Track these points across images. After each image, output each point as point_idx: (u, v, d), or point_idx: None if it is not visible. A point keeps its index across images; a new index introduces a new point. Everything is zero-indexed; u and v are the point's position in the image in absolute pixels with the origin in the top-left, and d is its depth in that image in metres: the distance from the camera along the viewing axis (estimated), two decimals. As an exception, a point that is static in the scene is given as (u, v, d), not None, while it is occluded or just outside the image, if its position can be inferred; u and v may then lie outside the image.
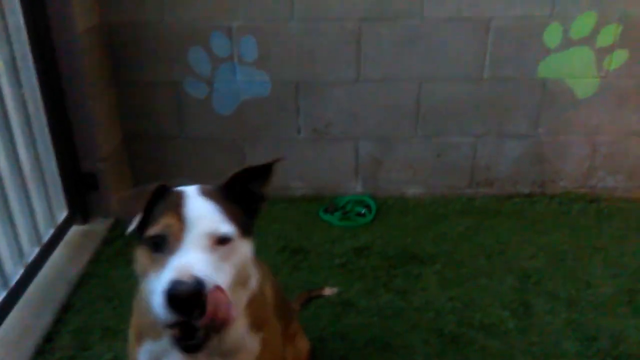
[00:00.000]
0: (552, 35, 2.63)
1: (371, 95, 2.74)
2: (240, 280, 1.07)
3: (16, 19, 2.13)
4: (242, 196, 1.11)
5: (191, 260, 0.96)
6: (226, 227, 1.01)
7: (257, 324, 1.20)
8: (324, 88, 2.73)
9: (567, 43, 2.64)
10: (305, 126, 2.82)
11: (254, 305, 1.18)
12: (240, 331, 1.16)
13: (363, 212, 2.77)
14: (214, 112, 2.79)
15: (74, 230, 2.51)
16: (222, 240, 1.01)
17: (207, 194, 1.07)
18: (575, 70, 2.70)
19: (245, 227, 1.08)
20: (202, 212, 1.02)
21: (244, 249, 1.07)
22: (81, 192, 2.54)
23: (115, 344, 1.96)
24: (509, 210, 2.84)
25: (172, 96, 2.75)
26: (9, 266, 2.04)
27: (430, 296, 2.23)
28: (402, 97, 2.75)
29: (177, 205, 1.02)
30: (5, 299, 1.99)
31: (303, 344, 1.69)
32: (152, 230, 1.00)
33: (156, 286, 0.96)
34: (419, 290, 2.26)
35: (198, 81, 2.72)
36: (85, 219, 2.56)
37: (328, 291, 2.18)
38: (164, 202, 1.05)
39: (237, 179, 1.11)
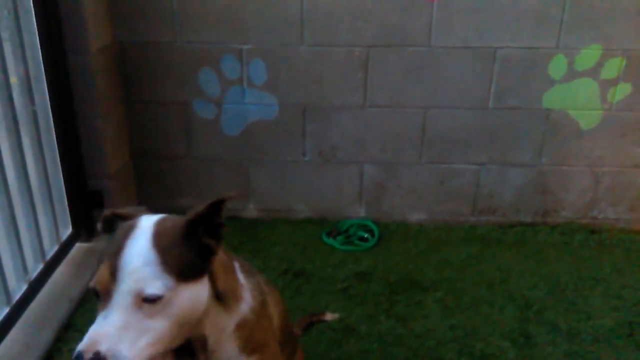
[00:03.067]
0: (557, 67, 2.66)
1: (377, 120, 2.77)
2: (191, 324, 1.05)
3: (32, 37, 2.17)
4: (204, 229, 1.06)
5: (106, 328, 0.95)
6: (154, 287, 0.96)
7: (251, 346, 1.20)
8: (331, 112, 2.77)
9: (572, 74, 2.68)
10: (310, 149, 2.85)
11: (245, 328, 1.19)
12: (229, 353, 1.17)
13: (366, 236, 2.78)
14: (221, 133, 2.82)
15: (78, 247, 2.52)
16: (149, 300, 0.97)
17: (158, 233, 1.02)
18: (580, 101, 2.73)
19: (195, 270, 1.03)
20: (134, 265, 0.97)
21: (187, 295, 1.01)
22: (86, 209, 2.55)
23: (115, 364, 1.96)
24: (511, 238, 2.85)
25: (181, 116, 2.78)
26: (12, 282, 2.05)
27: (432, 324, 2.23)
28: (408, 124, 2.78)
29: (116, 250, 0.99)
30: (8, 315, 1.99)
31: (300, 356, 1.68)
32: (91, 282, 1.01)
33: None
34: (420, 317, 2.26)
35: (207, 102, 2.75)
36: (89, 237, 2.57)
37: (329, 316, 2.19)
38: (112, 240, 1.03)
39: (202, 215, 1.05)
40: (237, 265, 1.25)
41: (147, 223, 1.04)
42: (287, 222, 2.93)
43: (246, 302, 1.19)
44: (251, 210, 2.96)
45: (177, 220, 1.06)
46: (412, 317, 2.26)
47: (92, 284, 1.00)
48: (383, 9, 2.56)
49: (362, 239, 2.78)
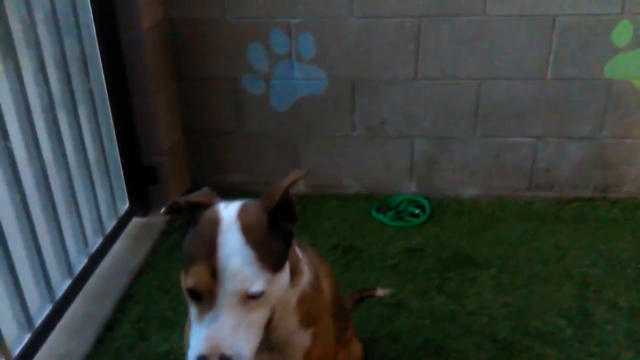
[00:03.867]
0: (622, 34, 2.52)
1: (429, 93, 2.71)
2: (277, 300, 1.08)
3: (86, 16, 2.21)
4: (281, 213, 1.06)
5: (222, 329, 0.96)
6: (258, 285, 0.98)
7: (307, 320, 1.21)
8: (381, 86, 2.72)
9: (638, 42, 2.52)
10: (360, 124, 2.82)
11: (305, 302, 1.19)
12: (290, 328, 1.18)
13: (417, 212, 2.74)
14: (270, 109, 2.82)
15: (135, 222, 2.60)
16: (254, 296, 0.99)
17: (246, 227, 1.01)
18: (646, 70, 2.58)
19: (282, 258, 1.06)
20: (236, 265, 0.97)
21: (281, 283, 1.06)
22: (142, 185, 2.62)
23: (171, 336, 2.02)
24: (569, 215, 2.75)
25: (231, 92, 2.79)
26: (73, 256, 2.13)
27: (485, 301, 2.18)
28: (461, 96, 2.70)
29: (210, 249, 0.98)
30: (70, 287, 2.07)
31: (356, 348, 1.68)
32: (187, 282, 1.00)
33: (192, 340, 0.99)
34: (473, 294, 2.22)
35: (256, 78, 2.75)
36: (145, 212, 2.64)
37: (380, 292, 2.17)
38: (198, 235, 1.02)
39: (283, 198, 1.05)
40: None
41: (230, 215, 1.03)
42: (337, 197, 2.92)
43: (306, 276, 1.20)
44: (300, 186, 2.96)
45: (258, 208, 1.05)
46: (464, 294, 2.22)
47: (191, 285, 0.99)
48: (435, -22, 2.48)
49: (412, 214, 2.74)
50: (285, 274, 1.08)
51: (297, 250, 1.22)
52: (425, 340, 1.98)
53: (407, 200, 2.83)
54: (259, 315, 1.02)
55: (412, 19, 2.56)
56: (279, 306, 1.11)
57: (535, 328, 2.04)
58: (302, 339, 1.21)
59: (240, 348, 0.97)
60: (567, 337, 2.00)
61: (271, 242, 1.03)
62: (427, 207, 2.77)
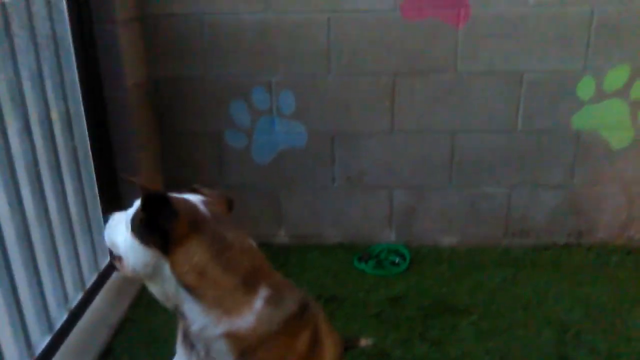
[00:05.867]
0: (585, 88, 2.66)
1: (405, 145, 2.80)
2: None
3: (72, 75, 2.28)
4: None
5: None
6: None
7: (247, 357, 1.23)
8: (359, 139, 2.81)
9: (601, 95, 2.67)
10: (340, 175, 2.89)
11: (240, 341, 1.21)
12: (220, 351, 1.22)
13: (397, 261, 2.78)
14: (252, 162, 2.88)
15: (116, 275, 2.58)
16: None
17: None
18: (610, 122, 2.71)
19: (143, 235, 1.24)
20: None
21: (133, 247, 1.26)
22: (124, 238, 2.62)
23: (153, 390, 2.00)
24: (545, 261, 2.81)
25: (213, 146, 2.86)
26: (54, 311, 2.11)
27: (467, 347, 2.20)
28: (436, 148, 2.80)
29: None
30: (50, 343, 2.04)
31: None
32: None
33: None
34: (455, 341, 2.24)
35: (238, 132, 2.82)
36: (126, 266, 2.63)
37: (363, 342, 2.16)
38: None
39: None
40: (265, 293, 1.26)
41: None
42: (319, 247, 2.95)
43: (245, 321, 1.21)
44: (282, 237, 3.00)
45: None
46: (447, 341, 2.24)
47: None
48: (407, 37, 2.61)
49: (393, 263, 2.78)
50: (142, 251, 1.21)
51: (258, 302, 1.23)
52: (408, 389, 1.99)
53: (388, 248, 2.87)
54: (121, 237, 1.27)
55: (387, 77, 2.68)
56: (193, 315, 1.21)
57: (517, 375, 2.06)
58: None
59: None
60: (548, 382, 2.02)
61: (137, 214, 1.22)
62: (407, 256, 2.82)
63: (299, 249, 2.92)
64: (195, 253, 1.20)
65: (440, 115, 2.74)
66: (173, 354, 2.14)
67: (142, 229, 1.20)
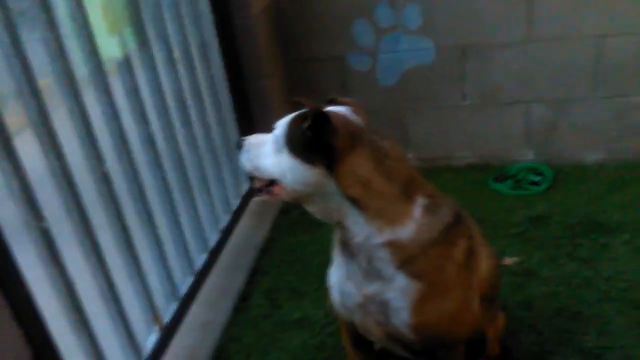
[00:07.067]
0: None
1: (544, 55, 2.59)
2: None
3: (204, 6, 2.32)
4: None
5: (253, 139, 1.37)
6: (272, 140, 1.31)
7: (415, 269, 1.22)
8: (492, 51, 2.63)
9: None
10: (471, 92, 2.75)
11: (401, 250, 1.21)
12: (382, 260, 1.23)
13: (537, 180, 2.64)
14: (377, 84, 2.82)
15: (255, 200, 2.71)
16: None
17: (291, 120, 1.27)
18: None
19: (304, 152, 1.22)
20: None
21: (291, 164, 1.24)
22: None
23: (302, 304, 2.10)
24: None
25: (337, 70, 2.82)
26: (208, 232, 2.26)
27: (621, 266, 2.07)
28: (579, 55, 2.56)
29: None
30: (206, 261, 2.20)
31: (500, 317, 1.66)
32: None
33: None
34: (607, 259, 2.11)
35: (362, 53, 2.76)
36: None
37: (508, 260, 2.12)
38: None
39: None
40: (423, 202, 1.24)
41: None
42: (449, 169, 2.88)
43: (406, 230, 1.21)
44: (411, 160, 2.94)
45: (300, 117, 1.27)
46: (598, 259, 2.12)
47: None
48: None
49: (533, 182, 2.64)
50: (306, 170, 1.20)
51: (416, 210, 1.22)
52: (560, 306, 1.92)
53: (526, 168, 2.73)
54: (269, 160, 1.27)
55: (525, -22, 2.46)
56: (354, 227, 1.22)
57: (682, 293, 1.91)
58: (405, 284, 1.23)
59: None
60: None
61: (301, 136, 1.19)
62: (549, 174, 2.66)
63: (428, 171, 2.82)
64: (359, 165, 1.19)
65: (584, 17, 2.48)
66: (314, 271, 2.24)
67: (307, 148, 1.20)
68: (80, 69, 1.57)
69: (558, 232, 2.30)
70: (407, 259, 1.23)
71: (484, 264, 1.41)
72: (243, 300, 2.17)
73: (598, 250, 2.17)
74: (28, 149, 1.38)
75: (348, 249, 1.30)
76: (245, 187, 2.63)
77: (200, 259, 2.17)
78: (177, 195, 2.04)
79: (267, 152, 1.28)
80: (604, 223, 2.31)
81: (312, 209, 1.28)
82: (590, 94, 2.63)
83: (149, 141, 1.86)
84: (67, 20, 1.52)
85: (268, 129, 1.31)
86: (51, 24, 1.41)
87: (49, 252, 1.37)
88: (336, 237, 1.36)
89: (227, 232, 2.38)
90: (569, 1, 2.46)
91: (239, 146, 1.35)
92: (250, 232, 2.51)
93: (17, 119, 1.38)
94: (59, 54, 1.43)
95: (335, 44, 2.77)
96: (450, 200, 1.33)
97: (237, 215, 2.50)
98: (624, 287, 1.97)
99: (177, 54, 2.10)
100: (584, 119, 2.69)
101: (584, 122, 2.69)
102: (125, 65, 1.77)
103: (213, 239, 2.29)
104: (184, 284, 2.05)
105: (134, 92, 1.79)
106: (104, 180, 1.61)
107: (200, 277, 2.13)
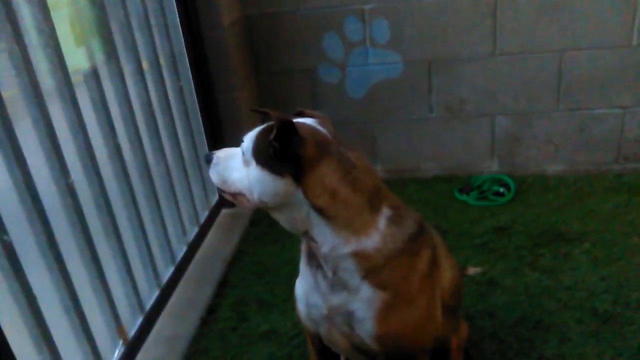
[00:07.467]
0: None
1: (508, 69, 2.66)
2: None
3: (173, 18, 2.32)
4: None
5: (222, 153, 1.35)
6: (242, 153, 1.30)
7: (377, 281, 1.24)
8: (458, 65, 2.70)
9: None
10: (437, 105, 2.81)
11: (366, 260, 1.22)
12: (347, 270, 1.24)
13: (501, 191, 2.71)
14: (346, 97, 2.86)
15: (224, 212, 2.70)
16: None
17: (259, 131, 1.28)
18: None
19: (269, 162, 1.23)
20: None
21: (258, 176, 1.24)
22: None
23: (270, 316, 2.10)
24: (663, 186, 2.64)
25: (307, 83, 2.85)
26: (174, 244, 2.25)
27: (581, 275, 2.14)
28: (542, 70, 2.64)
29: None
30: (173, 274, 2.19)
31: (463, 328, 1.69)
32: None
33: None
34: (568, 269, 2.18)
35: (332, 66, 2.80)
36: (233, 203, 2.74)
37: (471, 270, 2.16)
38: None
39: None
40: (387, 213, 1.27)
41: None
42: (416, 181, 2.93)
43: (371, 240, 1.23)
44: (378, 172, 2.99)
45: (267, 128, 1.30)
46: (559, 269, 2.18)
47: None
48: (511, -50, 2.43)
49: (497, 193, 2.71)
50: (273, 181, 1.20)
51: (381, 222, 1.24)
52: (522, 315, 1.97)
53: (491, 179, 2.80)
54: (237, 174, 1.27)
55: (488, -5, 2.53)
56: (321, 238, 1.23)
57: (637, 300, 1.98)
58: (370, 294, 1.25)
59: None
60: (673, 309, 1.93)
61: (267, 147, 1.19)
62: (512, 185, 2.73)
63: (396, 183, 2.90)
64: (326, 175, 1.20)
65: (547, 33, 2.57)
66: (282, 282, 2.25)
67: (274, 158, 1.21)
68: (47, 80, 1.56)
69: (520, 242, 2.36)
70: (372, 269, 1.25)
71: (447, 274, 1.44)
72: (210, 313, 2.16)
73: (559, 260, 2.23)
74: (-10, 161, 1.36)
75: (314, 260, 1.31)
76: (213, 199, 2.63)
77: (166, 272, 2.16)
78: (144, 208, 2.02)
79: (236, 165, 1.29)
80: (564, 233, 2.38)
81: (279, 217, 1.29)
82: (552, 107, 2.71)
83: (116, 153, 1.85)
84: (33, 32, 1.51)
85: (238, 140, 1.32)
86: (17, 35, 1.40)
87: (11, 265, 1.35)
88: (303, 248, 1.37)
89: (194, 245, 2.37)
90: (531, 17, 2.55)
91: (208, 160, 1.35)
92: (219, 244, 2.50)
93: (-21, 132, 1.36)
94: (25, 66, 1.42)
95: (305, 56, 2.80)
96: (413, 211, 1.36)
97: (205, 228, 2.49)
98: (584, 296, 2.03)
99: (145, 65, 2.10)
100: (546, 131, 2.77)
101: (547, 135, 2.78)
102: (93, 76, 1.76)
103: (180, 251, 2.28)
104: (150, 297, 2.03)
105: (101, 104, 1.78)
106: (69, 192, 1.59)
107: (167, 290, 2.12)
